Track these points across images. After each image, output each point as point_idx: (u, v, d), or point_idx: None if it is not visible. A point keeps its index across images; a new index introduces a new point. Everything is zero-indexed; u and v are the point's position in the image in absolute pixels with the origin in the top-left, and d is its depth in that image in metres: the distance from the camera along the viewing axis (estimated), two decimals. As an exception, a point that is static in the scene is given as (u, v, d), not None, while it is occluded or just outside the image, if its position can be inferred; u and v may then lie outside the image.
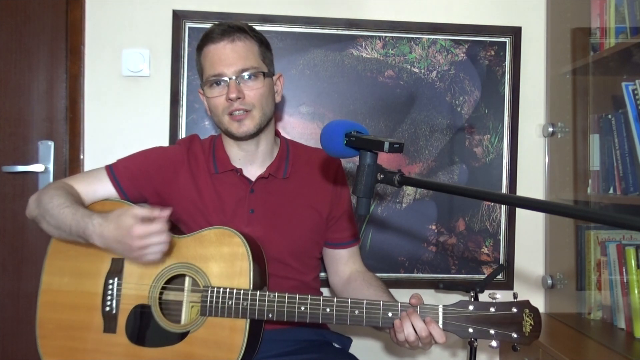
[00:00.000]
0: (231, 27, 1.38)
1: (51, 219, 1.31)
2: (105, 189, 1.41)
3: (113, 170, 1.42)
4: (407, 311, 1.21)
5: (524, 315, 1.18)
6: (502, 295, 1.20)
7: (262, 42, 1.43)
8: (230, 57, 1.36)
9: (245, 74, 1.36)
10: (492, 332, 1.18)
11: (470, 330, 1.19)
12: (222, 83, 1.37)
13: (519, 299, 1.20)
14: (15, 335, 1.85)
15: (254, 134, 1.39)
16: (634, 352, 1.48)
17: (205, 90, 1.40)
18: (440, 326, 1.19)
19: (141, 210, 1.20)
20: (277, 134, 1.53)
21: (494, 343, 1.18)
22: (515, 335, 1.17)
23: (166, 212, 1.20)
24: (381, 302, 1.23)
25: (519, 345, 1.18)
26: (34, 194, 1.41)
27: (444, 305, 1.21)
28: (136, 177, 1.42)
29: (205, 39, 1.40)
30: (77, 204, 1.32)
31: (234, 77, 1.35)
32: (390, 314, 1.22)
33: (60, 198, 1.31)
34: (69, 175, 1.82)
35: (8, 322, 1.86)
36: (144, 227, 1.18)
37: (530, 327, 1.18)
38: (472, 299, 1.20)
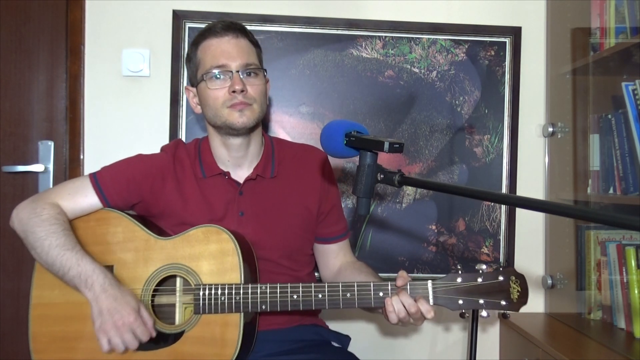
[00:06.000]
0: (233, 24, 1.39)
1: (43, 256, 1.28)
2: (88, 201, 1.37)
3: (98, 180, 1.38)
4: (396, 291, 1.23)
5: (510, 282, 1.21)
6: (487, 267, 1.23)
7: (258, 45, 1.44)
8: (234, 51, 1.36)
9: (249, 70, 1.36)
10: (481, 301, 1.20)
11: (461, 301, 1.21)
12: (224, 76, 1.35)
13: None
14: (15, 335, 1.85)
15: (251, 129, 1.39)
16: (634, 352, 1.48)
17: (206, 84, 1.36)
18: (431, 301, 1.22)
19: (145, 312, 1.26)
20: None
21: (484, 313, 1.20)
22: (504, 303, 1.20)
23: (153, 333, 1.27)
24: (372, 283, 1.25)
25: (508, 313, 1.20)
26: (20, 208, 1.35)
27: (432, 280, 1.23)
28: (124, 187, 1.39)
29: (207, 33, 1.39)
30: (78, 245, 1.29)
31: (238, 71, 1.35)
32: (381, 294, 1.23)
33: (58, 237, 1.27)
34: (69, 177, 1.84)
35: (8, 322, 1.85)
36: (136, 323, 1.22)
37: (518, 294, 1.21)
38: (460, 272, 1.22)
